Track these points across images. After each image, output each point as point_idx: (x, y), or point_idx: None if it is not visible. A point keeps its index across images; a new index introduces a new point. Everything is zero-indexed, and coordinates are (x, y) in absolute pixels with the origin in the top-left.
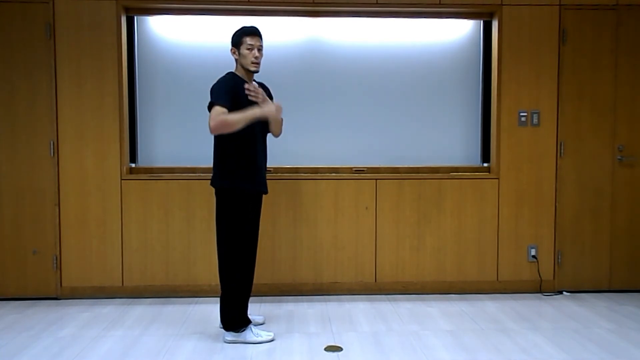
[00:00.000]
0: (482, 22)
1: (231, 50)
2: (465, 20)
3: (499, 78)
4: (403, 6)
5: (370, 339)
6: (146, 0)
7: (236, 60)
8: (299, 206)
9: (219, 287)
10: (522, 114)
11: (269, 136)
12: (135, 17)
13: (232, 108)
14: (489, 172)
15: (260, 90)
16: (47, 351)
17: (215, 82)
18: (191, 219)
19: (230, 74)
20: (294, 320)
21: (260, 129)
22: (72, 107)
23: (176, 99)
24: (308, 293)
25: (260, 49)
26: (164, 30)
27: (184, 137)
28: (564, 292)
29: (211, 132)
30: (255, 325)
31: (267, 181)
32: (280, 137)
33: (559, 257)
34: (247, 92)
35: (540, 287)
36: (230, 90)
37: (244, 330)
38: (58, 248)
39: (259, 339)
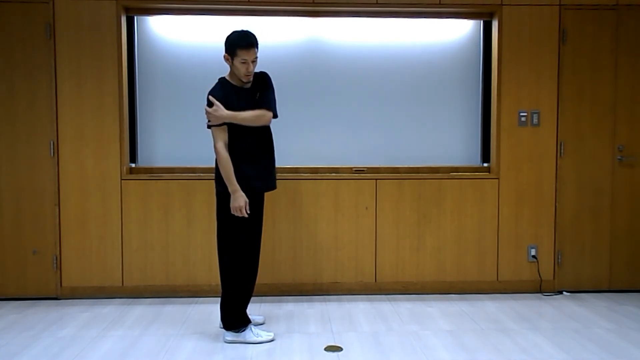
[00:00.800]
0: (482, 22)
1: (224, 56)
2: (465, 20)
3: (499, 78)
4: (403, 6)
5: (370, 339)
6: (146, 0)
7: (230, 66)
8: (299, 206)
9: (219, 287)
10: (522, 114)
11: (275, 133)
12: (135, 17)
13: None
14: (489, 172)
15: (216, 113)
16: (47, 351)
17: (209, 91)
18: (191, 219)
19: (220, 82)
20: (294, 320)
21: (252, 128)
22: (72, 107)
23: (176, 99)
24: (308, 293)
25: (254, 61)
26: (164, 30)
27: (184, 137)
28: (564, 292)
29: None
30: (255, 325)
31: None
32: (280, 137)
33: (559, 257)
34: (206, 115)
35: (540, 287)
36: (221, 103)
37: (244, 330)
38: (58, 248)
39: (259, 339)
